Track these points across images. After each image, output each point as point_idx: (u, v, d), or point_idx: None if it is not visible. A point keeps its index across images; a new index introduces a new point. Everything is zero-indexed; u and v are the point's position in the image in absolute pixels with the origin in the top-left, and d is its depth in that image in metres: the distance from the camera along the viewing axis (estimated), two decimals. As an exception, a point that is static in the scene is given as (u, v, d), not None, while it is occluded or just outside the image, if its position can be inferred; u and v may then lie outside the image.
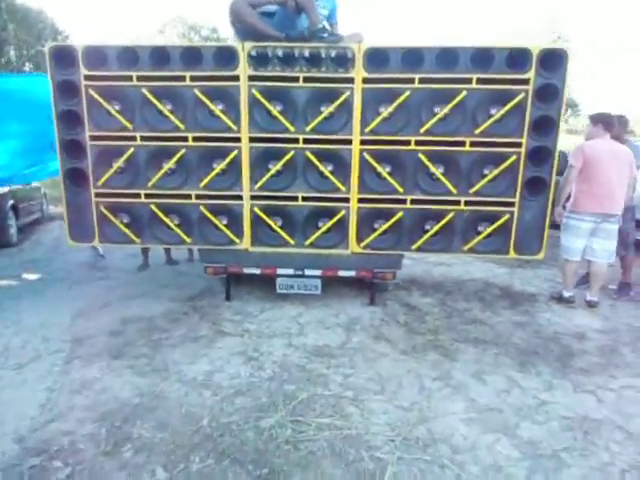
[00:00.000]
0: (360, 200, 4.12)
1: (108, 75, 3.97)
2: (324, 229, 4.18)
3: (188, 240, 4.28)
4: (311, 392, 2.98)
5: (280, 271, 4.36)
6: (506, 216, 4.05)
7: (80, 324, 4.13)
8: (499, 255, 4.24)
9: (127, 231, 4.27)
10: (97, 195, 4.23)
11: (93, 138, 4.10)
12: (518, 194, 4.02)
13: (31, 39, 24.98)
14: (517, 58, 3.80)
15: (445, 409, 2.83)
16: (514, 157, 3.93)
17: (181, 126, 4.02)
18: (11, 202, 7.25)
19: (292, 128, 3.99)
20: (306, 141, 4.03)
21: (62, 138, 4.12)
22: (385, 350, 3.59)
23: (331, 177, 4.07)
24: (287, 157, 4.03)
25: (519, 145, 3.93)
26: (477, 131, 3.91)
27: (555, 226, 4.62)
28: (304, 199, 4.15)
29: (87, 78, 3.98)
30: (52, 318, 4.25)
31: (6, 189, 7.08)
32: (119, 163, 4.12)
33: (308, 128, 3.99)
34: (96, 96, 3.98)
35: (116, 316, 4.27)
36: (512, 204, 4.04)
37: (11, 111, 5.03)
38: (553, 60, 3.77)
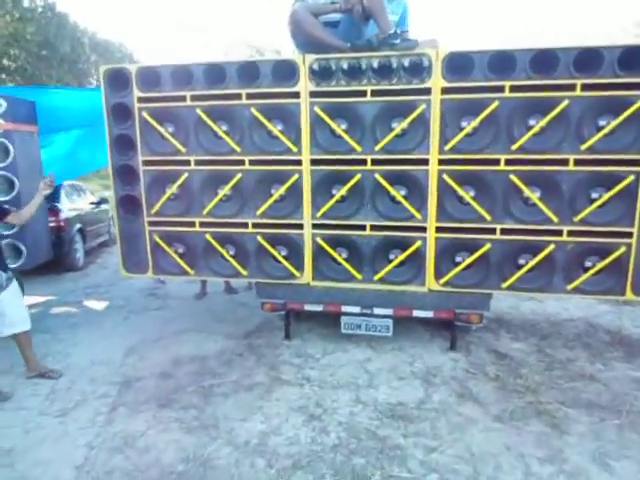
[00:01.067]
0: (439, 229, 3.54)
1: (161, 96, 3.72)
2: (396, 262, 3.64)
3: (244, 272, 3.89)
4: (386, 471, 2.43)
5: (345, 309, 3.85)
6: (621, 249, 3.31)
7: (130, 363, 3.84)
8: (612, 296, 3.48)
9: (181, 262, 3.96)
10: (150, 224, 3.97)
11: (146, 163, 3.86)
12: (637, 222, 3.27)
13: (111, 70, 26.58)
14: (632, 58, 3.10)
15: (562, 509, 2.17)
16: (631, 177, 3.20)
17: (237, 149, 3.67)
18: (78, 226, 7.32)
19: (359, 148, 3.52)
20: (375, 162, 3.53)
21: (115, 164, 3.91)
22: (474, 414, 2.96)
23: (404, 203, 3.53)
24: (353, 181, 3.55)
25: (637, 163, 3.20)
26: (583, 147, 3.23)
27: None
28: (373, 228, 3.64)
29: (140, 100, 3.75)
30: (104, 354, 4.01)
31: (74, 213, 7.16)
32: (173, 189, 3.84)
33: (377, 147, 3.49)
34: (149, 119, 3.74)
35: (168, 355, 3.95)
36: (629, 234, 3.30)
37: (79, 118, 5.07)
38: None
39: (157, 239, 3.96)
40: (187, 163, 3.79)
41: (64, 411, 3.14)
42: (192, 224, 3.90)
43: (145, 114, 3.74)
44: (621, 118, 3.14)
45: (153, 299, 5.64)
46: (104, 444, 2.76)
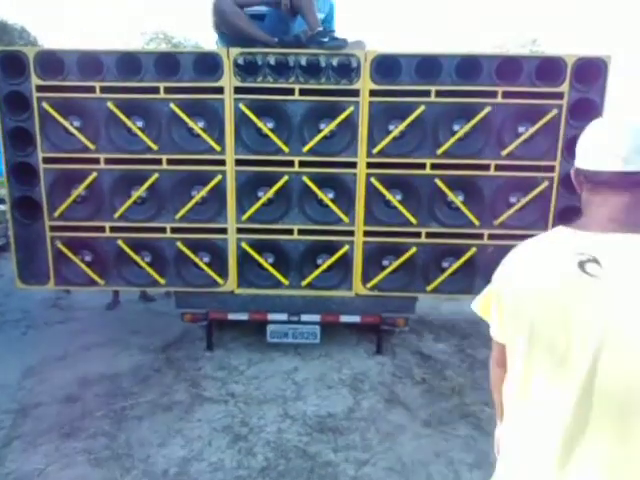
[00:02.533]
0: (366, 233, 3.50)
1: (66, 85, 3.32)
2: (324, 267, 3.53)
3: (162, 281, 3.59)
4: (317, 493, 2.30)
5: (272, 317, 3.69)
6: (537, 251, 3.46)
7: (28, 386, 3.39)
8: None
9: (89, 271, 3.57)
10: (52, 229, 3.53)
11: (47, 160, 3.43)
12: (550, 226, 3.44)
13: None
14: (549, 69, 3.26)
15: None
16: (546, 183, 3.37)
17: (154, 147, 3.36)
18: (-33, 229, 6.46)
19: (286, 149, 3.37)
20: (303, 164, 3.41)
21: (9, 160, 3.44)
22: (403, 421, 2.93)
23: (332, 206, 3.44)
24: (280, 183, 3.40)
25: (551, 169, 3.36)
26: (503, 153, 3.34)
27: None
28: (300, 232, 3.51)
29: (40, 89, 3.32)
30: (-4, 376, 3.51)
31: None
32: (79, 190, 3.44)
33: (305, 149, 3.37)
34: (51, 110, 3.32)
35: (74, 374, 3.54)
36: (544, 237, 3.46)
37: None
38: (590, 71, 3.24)
39: (60, 246, 3.53)
40: (96, 161, 3.42)
41: (-58, 450, 2.68)
42: (102, 229, 3.53)
43: (45, 105, 3.31)
44: (538, 126, 3.28)
45: (57, 311, 5.07)
46: (-9, 488, 2.38)
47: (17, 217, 3.53)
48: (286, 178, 3.41)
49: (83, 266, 3.56)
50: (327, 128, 3.34)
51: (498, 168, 3.37)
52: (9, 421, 2.96)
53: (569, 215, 3.42)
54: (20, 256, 3.59)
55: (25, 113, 3.36)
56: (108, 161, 3.43)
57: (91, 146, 3.38)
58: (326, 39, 3.22)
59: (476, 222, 3.43)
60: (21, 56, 3.29)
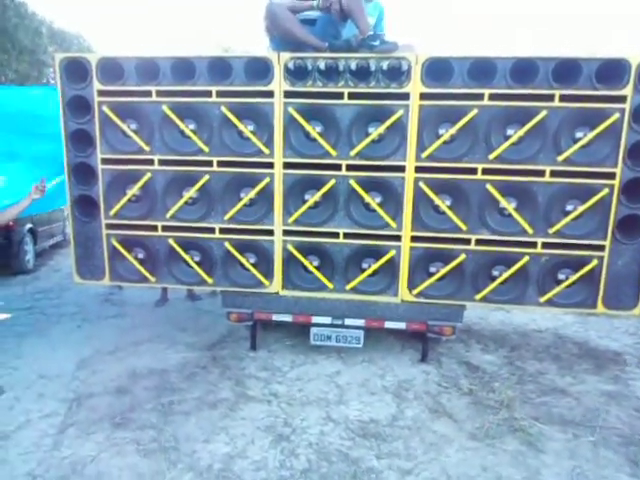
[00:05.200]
0: (414, 239, 3.44)
1: (124, 90, 3.46)
2: (369, 272, 3.50)
3: (209, 280, 3.67)
4: (360, 499, 2.28)
5: (316, 319, 3.69)
6: (594, 262, 3.30)
7: (82, 377, 3.54)
8: (584, 309, 3.47)
9: (141, 268, 3.70)
10: (108, 227, 3.69)
11: (105, 161, 3.59)
12: (609, 236, 3.27)
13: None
14: (611, 71, 3.10)
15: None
16: (605, 190, 3.20)
17: (205, 149, 3.45)
18: (29, 225, 6.85)
19: (334, 152, 3.37)
20: (350, 168, 3.40)
21: (71, 161, 3.62)
22: (449, 432, 2.85)
23: (379, 210, 3.41)
24: (327, 186, 3.41)
25: (612, 176, 3.19)
26: (560, 158, 3.20)
27: None
28: (346, 236, 3.50)
29: (101, 94, 3.48)
30: (53, 366, 3.69)
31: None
32: (134, 190, 3.58)
33: (353, 153, 3.36)
34: (110, 114, 3.47)
35: (124, 368, 3.67)
36: (601, 248, 3.29)
37: (23, 128, 4.55)
38: (657, 73, 3.06)
39: (115, 243, 3.68)
40: (150, 162, 3.54)
41: (4, 434, 2.82)
42: (154, 228, 3.65)
43: (106, 108, 3.47)
44: (597, 130, 3.13)
45: (109, 306, 5.30)
46: (49, 472, 2.49)
47: (76, 215, 3.71)
48: (333, 181, 3.41)
49: (136, 263, 3.69)
50: (376, 132, 3.31)
51: (554, 174, 3.24)
52: (64, 409, 3.10)
53: (629, 224, 3.25)
54: (78, 252, 3.76)
55: (87, 116, 3.53)
56: (162, 162, 3.54)
57: (146, 148, 3.51)
58: (377, 42, 3.20)
59: (529, 230, 3.30)
60: (84, 62, 3.46)
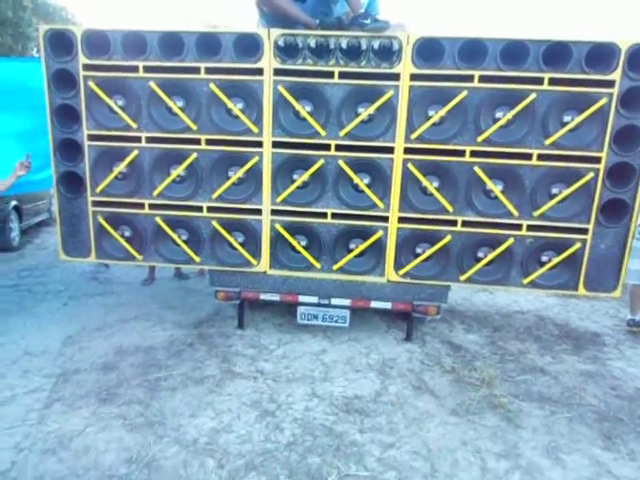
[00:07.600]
0: (401, 219, 3.47)
1: (111, 65, 3.40)
2: (356, 252, 3.54)
3: (197, 259, 3.67)
4: (342, 472, 2.33)
5: (302, 299, 3.72)
6: (577, 245, 3.36)
7: (69, 354, 3.54)
8: (566, 291, 3.54)
9: (128, 246, 3.69)
10: (94, 204, 3.66)
11: (91, 138, 3.54)
12: (593, 219, 3.32)
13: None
14: (600, 55, 3.12)
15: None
16: (591, 175, 3.24)
17: (193, 127, 3.42)
18: (14, 203, 6.75)
19: (323, 132, 3.37)
20: (339, 148, 3.40)
21: (56, 137, 3.56)
22: (431, 407, 2.92)
23: (367, 191, 3.43)
24: (316, 166, 3.41)
25: (597, 160, 3.24)
26: (547, 142, 3.23)
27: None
28: (334, 216, 3.51)
29: (86, 68, 3.42)
30: (39, 343, 3.68)
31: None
32: (121, 167, 3.55)
33: (342, 133, 3.35)
34: (96, 89, 3.41)
35: (111, 344, 3.68)
36: (585, 231, 3.35)
37: (8, 104, 4.45)
38: (645, 58, 3.08)
39: (102, 221, 3.65)
40: (138, 140, 3.51)
41: (-10, 408, 2.84)
42: (141, 206, 3.63)
43: (91, 83, 3.41)
44: (585, 115, 3.16)
45: (96, 284, 5.28)
46: (35, 445, 2.50)
47: (62, 192, 3.67)
48: (322, 162, 3.40)
49: (122, 241, 3.67)
50: (365, 112, 3.30)
51: (541, 157, 3.27)
52: (50, 385, 3.11)
53: (613, 208, 3.30)
54: (64, 230, 3.73)
55: (72, 91, 3.47)
56: (149, 140, 3.50)
57: (133, 125, 3.47)
58: (368, 21, 3.17)
59: (515, 212, 3.35)
60: (69, 34, 3.39)
